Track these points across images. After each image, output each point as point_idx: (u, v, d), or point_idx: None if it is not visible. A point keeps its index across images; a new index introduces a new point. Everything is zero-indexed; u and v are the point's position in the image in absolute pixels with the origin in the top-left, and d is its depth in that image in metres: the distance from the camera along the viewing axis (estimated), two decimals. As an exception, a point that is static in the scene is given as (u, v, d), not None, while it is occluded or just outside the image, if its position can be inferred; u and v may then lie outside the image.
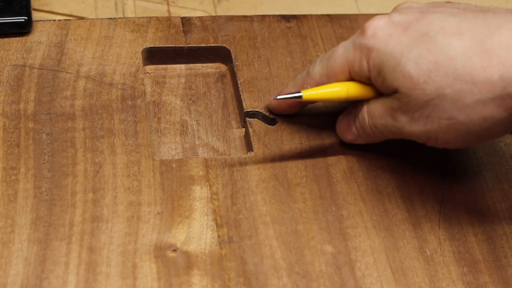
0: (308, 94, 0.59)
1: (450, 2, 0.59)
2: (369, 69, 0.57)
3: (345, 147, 0.62)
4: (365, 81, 0.58)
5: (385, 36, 0.56)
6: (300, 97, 0.59)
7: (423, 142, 0.58)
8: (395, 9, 0.59)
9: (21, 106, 0.62)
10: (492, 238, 0.59)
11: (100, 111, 0.62)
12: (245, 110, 0.64)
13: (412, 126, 0.56)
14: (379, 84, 0.57)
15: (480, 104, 0.53)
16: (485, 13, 0.55)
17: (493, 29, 0.53)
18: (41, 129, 0.61)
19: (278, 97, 0.60)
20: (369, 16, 0.69)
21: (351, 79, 0.59)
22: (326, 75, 0.60)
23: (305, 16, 0.72)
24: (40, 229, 0.55)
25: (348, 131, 0.61)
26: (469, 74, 0.53)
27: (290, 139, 0.63)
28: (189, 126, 0.64)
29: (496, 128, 0.54)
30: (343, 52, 0.59)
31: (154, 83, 0.66)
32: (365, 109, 0.59)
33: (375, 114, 0.58)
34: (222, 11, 0.73)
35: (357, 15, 0.73)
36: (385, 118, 0.58)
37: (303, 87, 0.61)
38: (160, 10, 0.73)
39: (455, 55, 0.54)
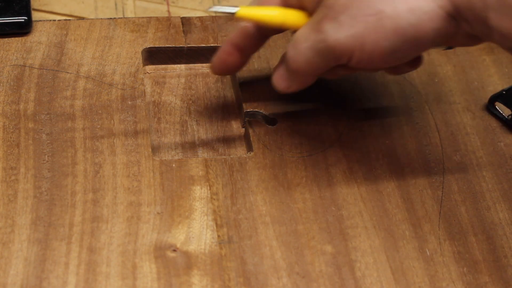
0: (244, 12, 0.57)
1: None
2: None
3: (345, 147, 0.62)
4: (295, 3, 0.57)
5: None
6: (234, 13, 0.57)
7: (347, 58, 0.55)
8: None
9: (21, 106, 0.62)
10: (492, 238, 0.59)
11: (100, 111, 0.62)
12: (245, 110, 0.64)
13: (338, 33, 0.53)
14: None
15: None
16: None
17: None
18: (41, 129, 0.61)
19: (212, 8, 0.57)
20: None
21: (284, 5, 0.57)
22: (259, 1, 0.58)
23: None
24: (40, 229, 0.55)
25: (279, 77, 0.59)
26: None
27: (290, 139, 0.63)
28: (189, 126, 0.64)
29: (425, 26, 0.52)
30: None
31: (154, 83, 0.66)
32: (290, 43, 0.57)
33: (299, 38, 0.56)
34: (222, 11, 0.73)
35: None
36: (309, 38, 0.55)
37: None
38: (160, 10, 0.73)
39: None
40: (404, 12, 0.52)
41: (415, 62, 0.58)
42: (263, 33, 0.60)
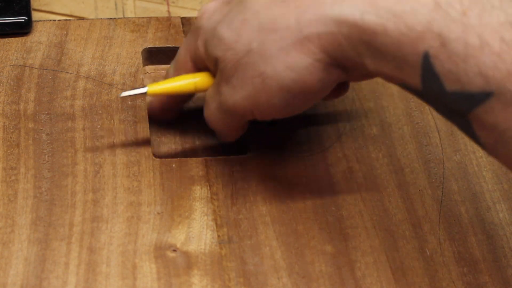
0: (154, 89, 0.58)
1: None
2: (200, 48, 0.57)
3: (345, 147, 0.63)
4: (204, 65, 0.58)
5: (210, 13, 0.57)
6: (145, 93, 0.58)
7: (250, 115, 0.56)
8: None
9: (21, 106, 0.62)
10: (492, 238, 0.59)
11: (100, 111, 0.62)
12: (245, 110, 0.64)
13: (234, 95, 0.55)
14: (207, 60, 0.57)
15: (283, 52, 0.52)
16: None
17: None
18: (41, 129, 0.61)
19: (123, 94, 0.58)
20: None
21: (198, 69, 0.59)
22: (175, 69, 0.60)
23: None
24: (40, 229, 0.55)
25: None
26: (270, 24, 0.53)
27: (290, 139, 0.63)
28: (189, 126, 0.64)
29: (307, 80, 0.53)
30: (185, 41, 0.59)
31: (153, 83, 0.66)
32: (204, 103, 0.59)
33: (208, 100, 0.58)
34: (222, 11, 0.73)
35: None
36: (215, 99, 0.57)
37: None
38: (160, 10, 0.73)
39: (259, 9, 0.53)
40: (283, 70, 0.53)
41: (341, 90, 0.59)
42: (182, 98, 0.62)
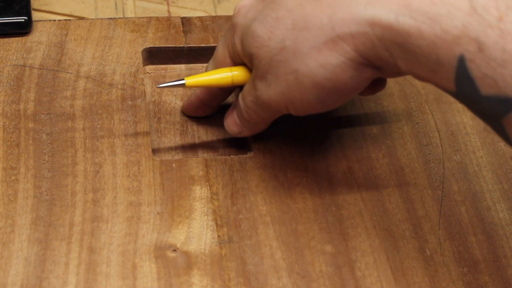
0: (192, 81, 0.59)
1: None
2: (237, 44, 0.58)
3: (345, 147, 0.63)
4: (241, 61, 0.59)
5: (246, 10, 0.58)
6: (183, 84, 0.59)
7: (285, 110, 0.57)
8: None
9: (21, 106, 0.62)
10: (492, 238, 0.59)
11: (100, 111, 0.62)
12: (245, 110, 0.64)
13: (268, 91, 0.56)
14: (243, 56, 0.58)
15: (315, 50, 0.53)
16: None
17: None
18: (41, 129, 0.61)
19: (161, 85, 0.60)
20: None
21: (236, 64, 0.59)
22: (214, 65, 0.61)
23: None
24: (40, 229, 0.55)
25: (232, 123, 0.61)
26: (303, 22, 0.53)
27: (290, 139, 0.63)
28: (189, 126, 0.64)
29: (340, 78, 0.53)
30: (222, 38, 0.60)
31: (154, 83, 0.66)
32: (240, 94, 0.59)
33: (244, 93, 0.59)
34: (222, 11, 0.73)
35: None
36: (251, 93, 0.58)
37: None
38: (160, 10, 0.73)
39: (292, 7, 0.54)
40: (316, 68, 0.53)
41: (378, 86, 0.59)
42: (219, 95, 0.63)
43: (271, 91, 0.56)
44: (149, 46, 0.67)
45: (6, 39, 0.66)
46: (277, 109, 0.57)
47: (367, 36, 0.51)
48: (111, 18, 0.69)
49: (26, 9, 0.67)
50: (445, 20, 0.48)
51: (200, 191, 0.59)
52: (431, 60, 0.49)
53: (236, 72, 0.59)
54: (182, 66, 0.68)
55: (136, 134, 0.61)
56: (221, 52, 0.60)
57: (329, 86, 0.54)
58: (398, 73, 0.54)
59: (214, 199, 0.58)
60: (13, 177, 0.58)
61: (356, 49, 0.52)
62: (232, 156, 0.61)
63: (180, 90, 0.66)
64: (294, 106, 0.56)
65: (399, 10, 0.50)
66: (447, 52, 0.49)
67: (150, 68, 0.67)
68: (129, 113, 0.63)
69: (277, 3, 0.55)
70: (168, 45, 0.68)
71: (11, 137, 0.60)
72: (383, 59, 0.52)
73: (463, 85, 0.49)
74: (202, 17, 0.70)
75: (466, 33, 0.48)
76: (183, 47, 0.68)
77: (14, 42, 0.66)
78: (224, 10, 0.74)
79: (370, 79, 0.54)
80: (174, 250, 0.55)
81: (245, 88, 0.59)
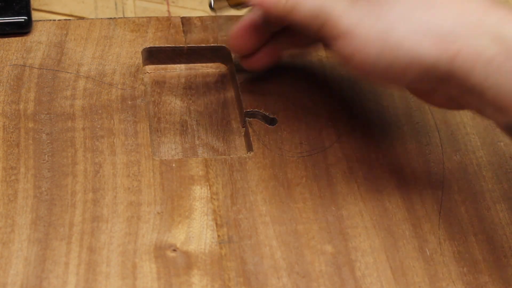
0: None
1: None
2: None
3: (345, 147, 0.62)
4: None
5: None
6: None
7: (316, 28, 0.54)
8: None
9: (21, 106, 0.62)
10: (492, 238, 0.59)
11: (100, 111, 0.62)
12: (245, 110, 0.64)
13: (349, 12, 0.52)
14: None
15: (422, 13, 0.51)
16: None
17: None
18: (41, 129, 0.61)
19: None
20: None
21: None
22: None
23: (305, 16, 0.72)
24: (40, 229, 0.55)
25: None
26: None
27: (290, 139, 0.63)
28: (189, 126, 0.64)
29: (414, 61, 0.51)
30: None
31: (154, 83, 0.66)
32: None
33: None
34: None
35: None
36: None
37: None
38: (160, 10, 0.73)
39: None
40: (405, 35, 0.51)
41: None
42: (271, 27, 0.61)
43: (350, 14, 0.52)
44: (149, 46, 0.67)
45: (6, 39, 0.66)
46: (310, 20, 0.53)
47: (482, 47, 0.49)
48: (111, 18, 0.69)
49: (26, 9, 0.67)
50: None
51: (200, 191, 0.59)
52: None
53: None
54: (182, 66, 0.68)
55: (136, 134, 0.61)
56: None
57: (390, 58, 0.51)
58: (459, 104, 0.53)
59: (214, 199, 0.58)
60: (13, 177, 0.58)
61: (458, 54, 0.50)
62: (232, 156, 0.61)
63: (181, 90, 0.66)
64: (350, 47, 0.52)
65: None
66: None
67: (150, 68, 0.67)
68: (129, 113, 0.63)
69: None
70: (168, 45, 0.68)
71: (11, 137, 0.60)
72: (465, 80, 0.50)
73: None
74: (202, 17, 0.70)
75: None
76: (183, 47, 0.68)
77: (14, 42, 0.66)
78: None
79: (435, 91, 0.53)
80: (174, 250, 0.55)
81: None
